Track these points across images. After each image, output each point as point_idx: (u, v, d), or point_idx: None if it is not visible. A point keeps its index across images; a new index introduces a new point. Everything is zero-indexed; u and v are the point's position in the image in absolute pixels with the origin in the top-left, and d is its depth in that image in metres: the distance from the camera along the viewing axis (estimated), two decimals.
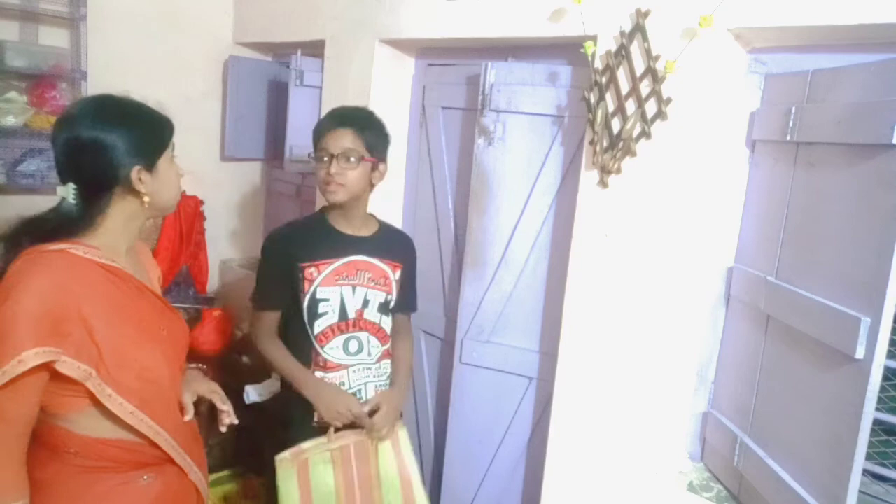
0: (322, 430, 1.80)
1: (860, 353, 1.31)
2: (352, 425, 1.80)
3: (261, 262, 1.89)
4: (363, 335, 1.85)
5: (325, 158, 1.74)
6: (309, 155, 1.82)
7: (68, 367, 1.17)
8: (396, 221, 2.60)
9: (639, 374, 1.81)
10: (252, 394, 2.37)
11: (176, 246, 2.92)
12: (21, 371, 1.12)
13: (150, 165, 1.30)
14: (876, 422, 1.42)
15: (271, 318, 1.87)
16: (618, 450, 1.87)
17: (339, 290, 1.80)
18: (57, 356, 1.15)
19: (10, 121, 2.48)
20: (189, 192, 3.00)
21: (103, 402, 1.22)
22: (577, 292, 1.93)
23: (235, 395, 2.42)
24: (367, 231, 1.88)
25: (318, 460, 1.74)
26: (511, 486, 2.33)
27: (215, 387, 1.46)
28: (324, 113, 2.72)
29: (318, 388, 1.78)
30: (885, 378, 1.41)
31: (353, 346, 1.84)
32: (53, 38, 2.61)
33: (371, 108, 2.51)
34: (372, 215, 1.94)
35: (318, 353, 1.82)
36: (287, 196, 3.34)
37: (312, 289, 1.78)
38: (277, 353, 1.84)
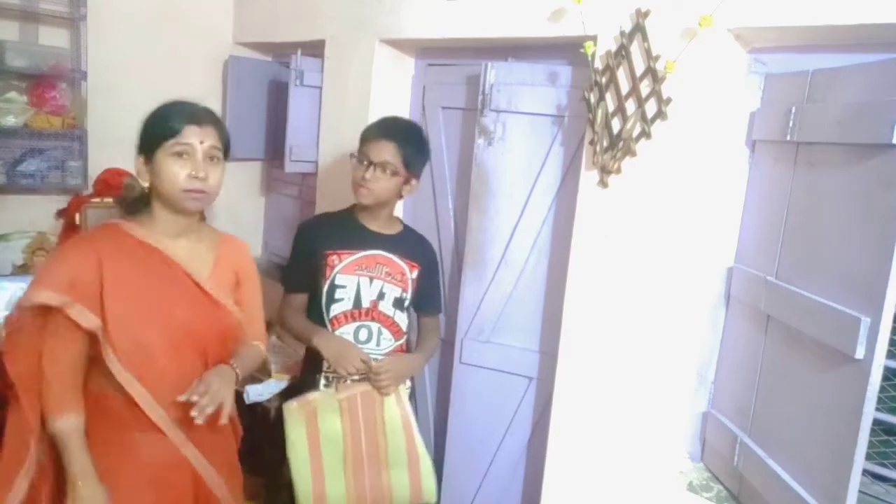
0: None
1: (860, 353, 1.31)
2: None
3: (292, 247, 2.03)
4: (374, 325, 1.93)
5: (364, 163, 1.87)
6: (351, 155, 1.93)
7: (81, 315, 1.37)
8: None
9: (639, 374, 1.82)
10: (252, 394, 2.37)
11: None
12: (31, 304, 1.37)
13: (149, 157, 1.47)
14: (876, 422, 1.42)
15: (298, 300, 2.00)
16: (618, 450, 1.87)
17: (356, 280, 1.91)
18: (64, 303, 1.36)
19: (10, 121, 2.48)
20: None
21: (104, 357, 1.40)
22: (577, 292, 1.93)
23: (236, 396, 2.42)
24: (390, 230, 1.99)
25: (327, 409, 1.83)
26: (511, 486, 2.33)
27: (218, 385, 1.44)
28: (324, 113, 2.74)
29: (328, 338, 1.89)
30: (885, 378, 1.41)
31: (363, 334, 1.93)
32: (53, 38, 2.61)
33: (371, 108, 2.52)
34: (398, 218, 2.06)
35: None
36: (287, 196, 3.35)
37: (333, 275, 1.90)
38: (297, 319, 1.97)
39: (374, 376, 1.84)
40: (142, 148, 1.48)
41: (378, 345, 1.94)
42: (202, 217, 1.70)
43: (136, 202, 1.56)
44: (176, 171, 1.44)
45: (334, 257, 1.90)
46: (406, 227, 2.06)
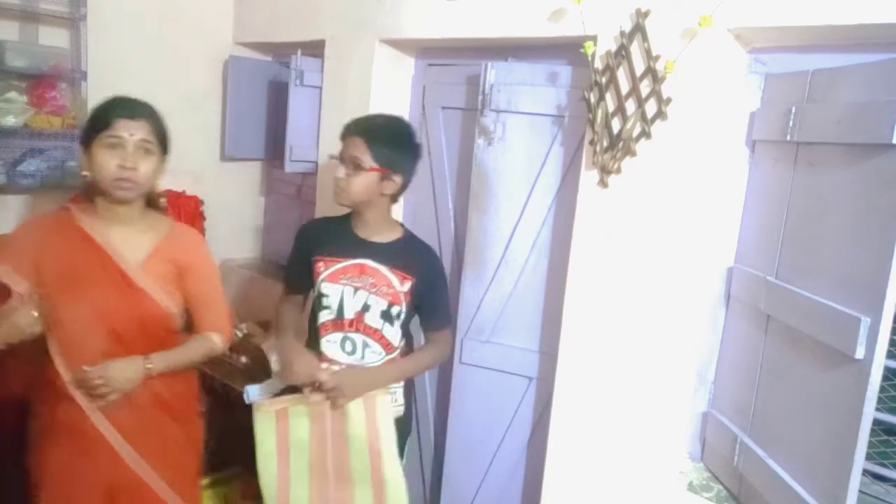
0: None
1: (860, 353, 1.31)
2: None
3: (292, 247, 2.00)
4: (359, 338, 1.85)
5: (338, 162, 1.81)
6: (330, 156, 1.88)
7: (18, 286, 1.55)
8: None
9: (639, 374, 1.82)
10: (252, 394, 2.37)
11: None
12: None
13: (87, 149, 1.60)
14: (876, 422, 1.42)
15: (293, 301, 1.99)
16: (618, 450, 1.87)
17: (340, 289, 1.84)
18: (5, 273, 1.55)
19: (10, 121, 2.47)
20: (189, 192, 2.99)
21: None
22: (577, 292, 1.93)
23: (236, 396, 2.42)
24: (384, 238, 1.87)
25: (297, 412, 1.80)
26: (511, 486, 2.33)
27: (107, 377, 1.58)
28: (324, 113, 2.74)
29: (285, 347, 1.87)
30: (885, 378, 1.41)
31: (347, 346, 1.86)
32: (53, 38, 2.61)
33: (371, 108, 2.52)
34: (399, 224, 1.94)
35: (317, 343, 1.88)
36: (287, 196, 3.35)
37: (318, 282, 1.85)
38: (280, 317, 1.97)
39: (329, 394, 1.75)
40: (82, 140, 1.62)
41: (363, 358, 1.85)
42: (160, 208, 1.79)
43: (87, 190, 1.68)
44: (107, 161, 1.57)
45: (321, 264, 1.85)
46: (406, 236, 1.93)
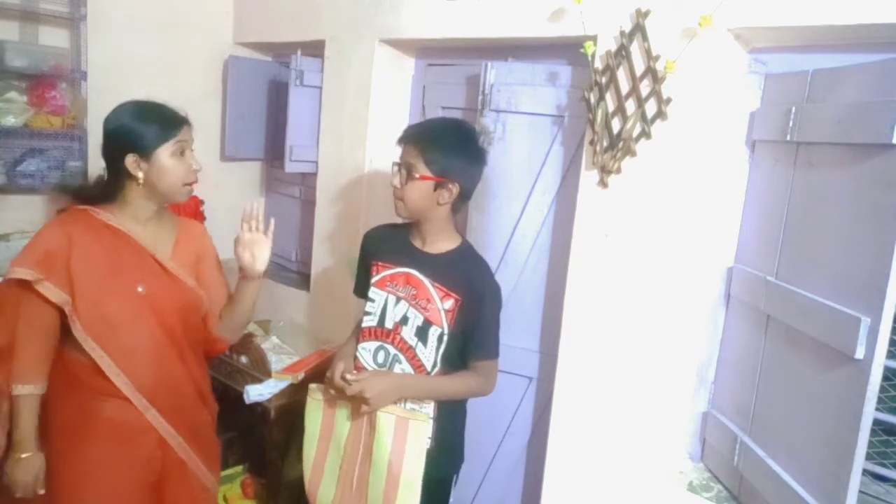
0: None
1: (860, 353, 1.31)
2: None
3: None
4: (392, 350, 1.76)
5: (397, 169, 1.71)
6: (393, 163, 1.75)
7: (50, 291, 1.55)
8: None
9: (639, 374, 1.82)
10: (252, 394, 2.37)
11: None
12: (12, 277, 1.53)
13: (145, 155, 1.61)
14: (876, 422, 1.42)
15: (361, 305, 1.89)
16: (618, 450, 1.87)
17: (384, 296, 1.77)
18: (36, 278, 1.53)
19: (10, 121, 2.47)
20: None
21: (71, 328, 1.57)
22: (577, 292, 1.93)
23: (236, 396, 2.42)
24: (437, 249, 1.75)
25: (343, 405, 1.77)
26: (511, 486, 2.33)
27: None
28: (324, 113, 2.74)
29: (338, 353, 1.85)
30: (885, 378, 1.41)
31: (381, 356, 1.78)
32: (53, 38, 2.61)
33: (371, 108, 2.52)
34: (459, 237, 1.79)
35: (357, 349, 1.82)
36: (287, 196, 3.34)
37: (370, 286, 1.81)
38: (355, 326, 1.92)
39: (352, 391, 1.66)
40: (136, 147, 1.60)
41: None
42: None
43: (99, 192, 1.70)
44: (178, 166, 1.65)
45: (374, 268, 1.80)
46: (461, 249, 1.77)
